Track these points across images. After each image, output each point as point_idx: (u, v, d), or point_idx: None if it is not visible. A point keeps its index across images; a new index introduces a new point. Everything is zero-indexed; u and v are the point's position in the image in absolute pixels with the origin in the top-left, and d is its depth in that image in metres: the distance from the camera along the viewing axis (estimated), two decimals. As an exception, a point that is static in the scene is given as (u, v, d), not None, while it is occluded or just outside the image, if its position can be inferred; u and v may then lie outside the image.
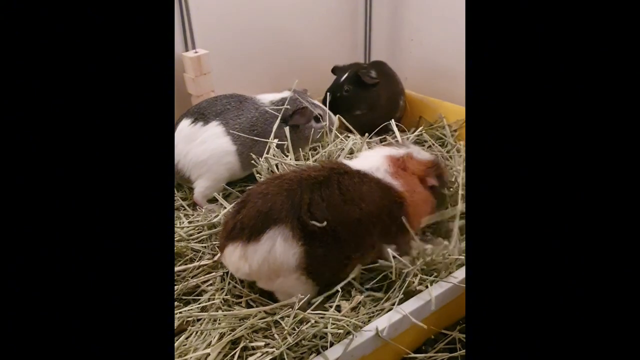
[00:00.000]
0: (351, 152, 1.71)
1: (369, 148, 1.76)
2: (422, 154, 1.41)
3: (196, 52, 1.96)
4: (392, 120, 1.85)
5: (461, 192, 1.45)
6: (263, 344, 1.08)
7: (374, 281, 1.25)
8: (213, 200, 1.71)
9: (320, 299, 1.17)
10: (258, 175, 1.58)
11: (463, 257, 1.26)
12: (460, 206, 1.39)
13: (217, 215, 1.50)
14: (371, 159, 1.35)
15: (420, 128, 1.99)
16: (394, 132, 1.80)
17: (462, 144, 2.03)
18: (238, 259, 1.16)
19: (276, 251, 1.12)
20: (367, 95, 2.02)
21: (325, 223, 1.12)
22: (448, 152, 1.99)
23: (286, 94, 1.84)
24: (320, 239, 1.13)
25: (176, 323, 1.18)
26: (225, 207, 1.53)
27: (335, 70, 2.13)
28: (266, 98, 1.83)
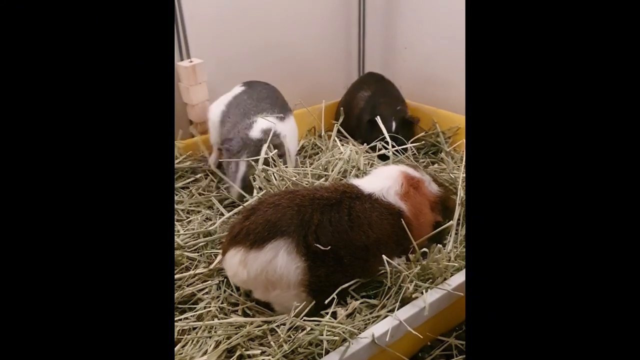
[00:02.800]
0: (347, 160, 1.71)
1: (359, 154, 1.77)
2: (432, 185, 1.42)
3: (191, 62, 1.96)
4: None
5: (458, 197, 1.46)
6: (259, 352, 1.08)
7: (370, 287, 1.26)
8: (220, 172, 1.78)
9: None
10: (255, 183, 1.58)
11: (458, 263, 1.26)
12: (457, 212, 1.40)
13: (214, 224, 1.50)
14: (383, 178, 1.34)
15: (416, 137, 1.99)
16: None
17: (456, 151, 2.04)
18: (237, 264, 1.16)
19: (277, 263, 1.12)
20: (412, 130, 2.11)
21: (329, 247, 1.13)
22: (442, 159, 2.00)
23: (262, 123, 1.72)
24: (323, 260, 1.14)
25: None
26: (222, 215, 1.54)
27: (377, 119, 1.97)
28: (256, 108, 1.81)
